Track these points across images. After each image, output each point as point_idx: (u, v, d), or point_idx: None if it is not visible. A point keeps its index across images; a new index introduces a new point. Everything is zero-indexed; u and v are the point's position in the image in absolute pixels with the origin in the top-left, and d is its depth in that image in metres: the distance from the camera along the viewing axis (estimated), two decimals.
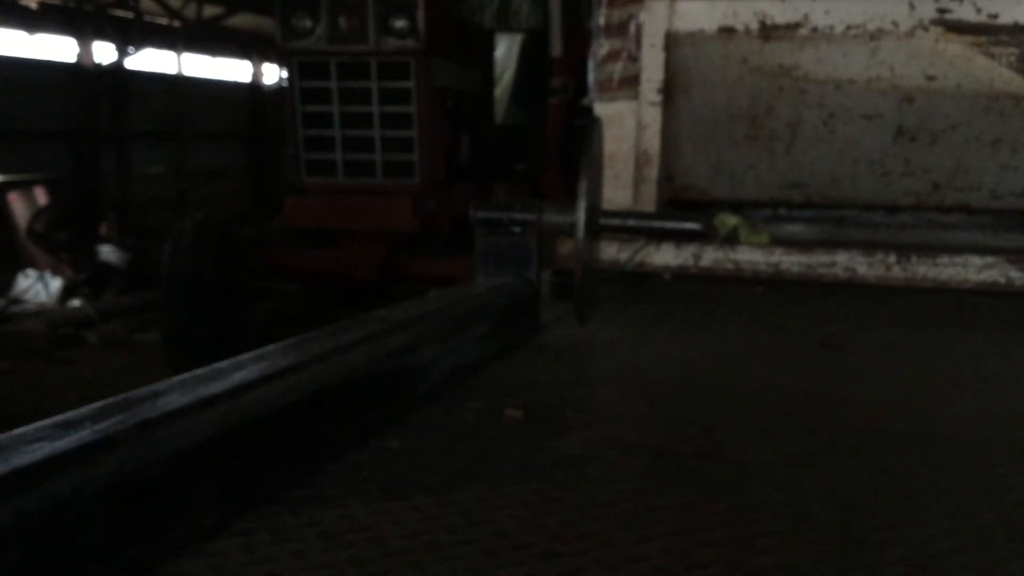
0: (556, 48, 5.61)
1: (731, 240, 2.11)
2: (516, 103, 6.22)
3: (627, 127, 2.20)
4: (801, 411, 1.24)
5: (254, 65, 15.98)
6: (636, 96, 2.20)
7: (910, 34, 2.06)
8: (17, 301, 8.63)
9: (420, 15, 4.84)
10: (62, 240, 9.27)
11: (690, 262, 2.11)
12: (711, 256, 2.10)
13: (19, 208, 9.42)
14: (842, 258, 2.05)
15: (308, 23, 5.29)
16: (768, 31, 2.12)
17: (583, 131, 1.52)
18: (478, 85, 5.85)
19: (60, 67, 12.12)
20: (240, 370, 0.92)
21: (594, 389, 1.41)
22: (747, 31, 2.13)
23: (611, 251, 2.10)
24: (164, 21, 13.60)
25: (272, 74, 15.57)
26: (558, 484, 0.94)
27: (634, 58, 2.18)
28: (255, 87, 16.08)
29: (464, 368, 1.32)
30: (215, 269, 5.57)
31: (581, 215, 1.42)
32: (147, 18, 13.26)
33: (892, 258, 2.03)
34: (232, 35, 15.02)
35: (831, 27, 2.09)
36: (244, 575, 0.73)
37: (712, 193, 2.38)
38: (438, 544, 0.79)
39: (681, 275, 2.15)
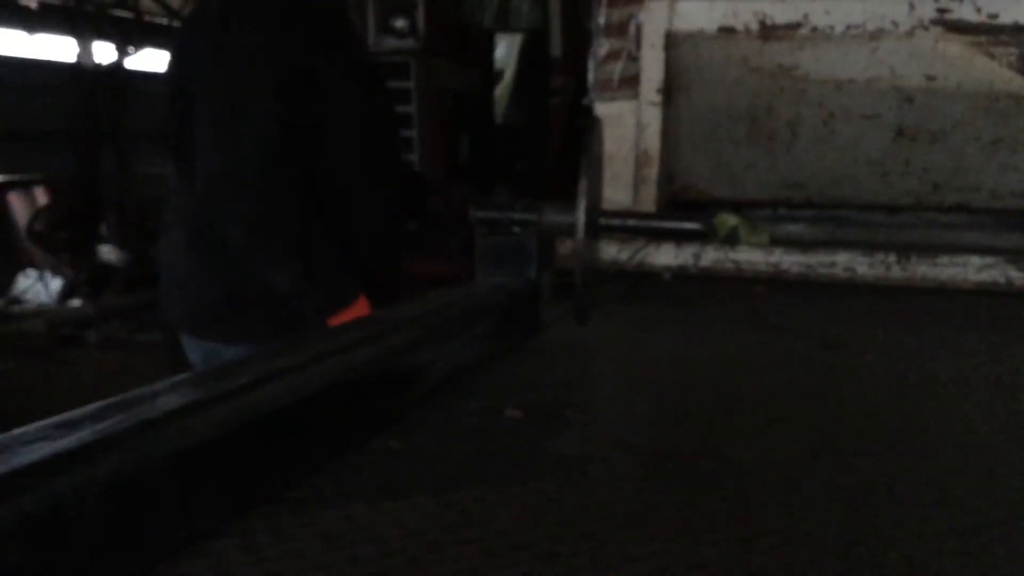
0: (556, 48, 5.62)
1: (731, 240, 2.11)
2: (516, 103, 6.22)
3: (627, 127, 2.20)
4: (801, 411, 1.24)
5: None
6: (636, 96, 2.20)
7: (910, 34, 2.06)
8: (17, 301, 8.63)
9: (420, 15, 4.85)
10: (62, 240, 9.26)
11: (690, 262, 2.11)
12: (711, 256, 2.10)
13: (19, 208, 9.42)
14: (842, 258, 2.05)
15: None
16: (768, 31, 2.13)
17: (583, 131, 1.52)
18: (478, 85, 5.85)
19: (60, 67, 12.11)
20: (240, 370, 0.92)
21: (594, 389, 1.41)
22: (747, 31, 2.13)
23: (611, 251, 2.11)
24: (164, 21, 13.60)
25: None
26: (558, 484, 0.94)
27: (634, 58, 2.18)
28: None
29: (464, 368, 1.32)
30: None
31: (581, 215, 1.42)
32: (147, 18, 13.26)
33: (892, 258, 2.03)
34: None
35: (831, 27, 2.09)
36: (244, 575, 0.73)
37: (712, 193, 2.38)
38: (438, 544, 0.79)
39: (681, 275, 2.15)
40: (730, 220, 2.18)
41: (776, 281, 2.07)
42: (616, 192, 2.11)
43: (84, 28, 12.22)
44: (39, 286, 8.62)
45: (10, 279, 8.74)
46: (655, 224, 1.87)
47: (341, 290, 1.82)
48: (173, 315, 2.06)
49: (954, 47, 2.05)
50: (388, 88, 2.24)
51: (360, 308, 1.82)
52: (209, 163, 1.78)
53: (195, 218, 1.91)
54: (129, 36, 12.85)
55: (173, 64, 1.94)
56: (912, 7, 2.04)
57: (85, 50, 12.32)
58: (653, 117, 2.19)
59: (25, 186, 9.73)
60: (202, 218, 1.88)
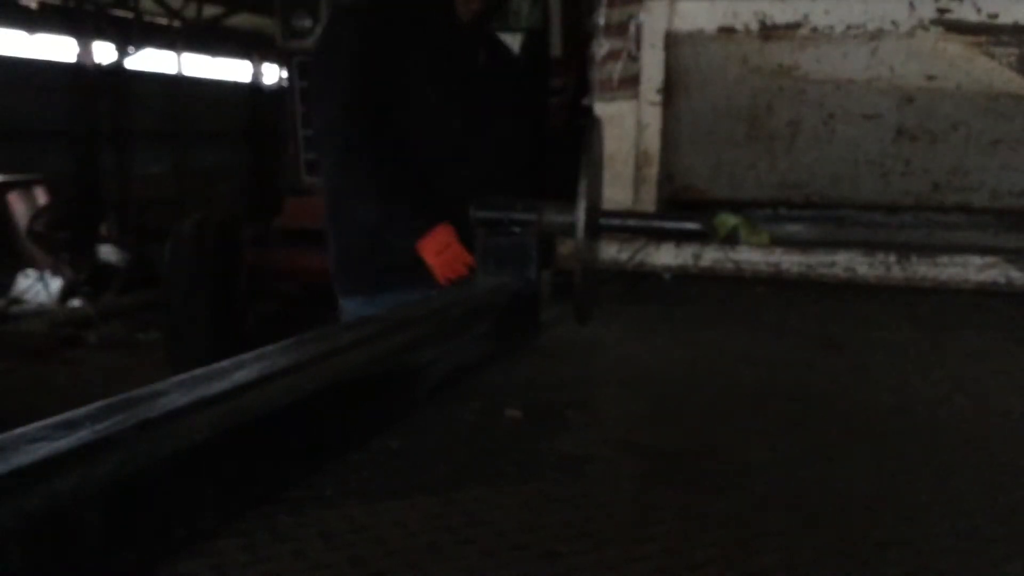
0: (556, 48, 5.60)
1: (731, 240, 2.11)
2: None
3: (627, 127, 2.20)
4: (801, 411, 1.24)
5: (254, 65, 15.97)
6: (636, 96, 2.20)
7: (910, 34, 2.06)
8: (17, 301, 8.62)
9: None
10: (62, 240, 9.26)
11: (690, 262, 2.11)
12: (711, 256, 2.10)
13: (19, 208, 9.41)
14: (842, 258, 2.05)
15: (308, 23, 5.30)
16: (768, 31, 2.12)
17: (583, 131, 1.52)
18: None
19: (60, 67, 12.12)
20: (240, 370, 0.92)
21: (594, 389, 1.41)
22: (747, 31, 2.13)
23: (611, 251, 2.11)
24: (164, 21, 13.60)
25: (272, 74, 15.56)
26: (558, 484, 0.94)
27: (634, 58, 2.18)
28: (255, 87, 16.07)
29: (464, 368, 1.32)
30: (215, 269, 5.57)
31: (581, 215, 1.42)
32: (147, 18, 13.26)
33: (892, 258, 2.03)
34: (232, 35, 15.01)
35: (831, 27, 2.09)
36: (244, 575, 0.73)
37: (712, 193, 2.38)
38: (438, 544, 0.79)
39: (681, 275, 2.15)
40: (730, 220, 2.19)
41: (776, 281, 2.07)
42: (616, 192, 2.11)
43: (84, 28, 12.22)
44: (39, 286, 8.62)
45: (10, 279, 8.74)
46: (655, 224, 1.87)
47: (419, 219, 2.09)
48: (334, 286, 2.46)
49: (954, 47, 2.05)
50: (503, 63, 2.58)
51: (444, 233, 2.05)
52: (311, 124, 2.34)
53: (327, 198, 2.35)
54: (129, 36, 12.85)
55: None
56: (912, 7, 2.04)
57: (85, 50, 12.32)
58: (653, 117, 2.19)
59: (25, 186, 9.72)
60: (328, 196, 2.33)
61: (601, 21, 2.19)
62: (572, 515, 0.86)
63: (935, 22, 2.04)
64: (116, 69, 12.73)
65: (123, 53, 12.78)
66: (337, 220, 2.32)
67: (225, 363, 0.94)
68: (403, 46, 2.21)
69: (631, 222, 1.85)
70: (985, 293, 1.99)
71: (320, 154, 2.32)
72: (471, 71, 2.36)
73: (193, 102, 14.27)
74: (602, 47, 2.20)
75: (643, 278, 2.19)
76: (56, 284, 8.60)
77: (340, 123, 2.16)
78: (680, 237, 2.06)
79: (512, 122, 2.49)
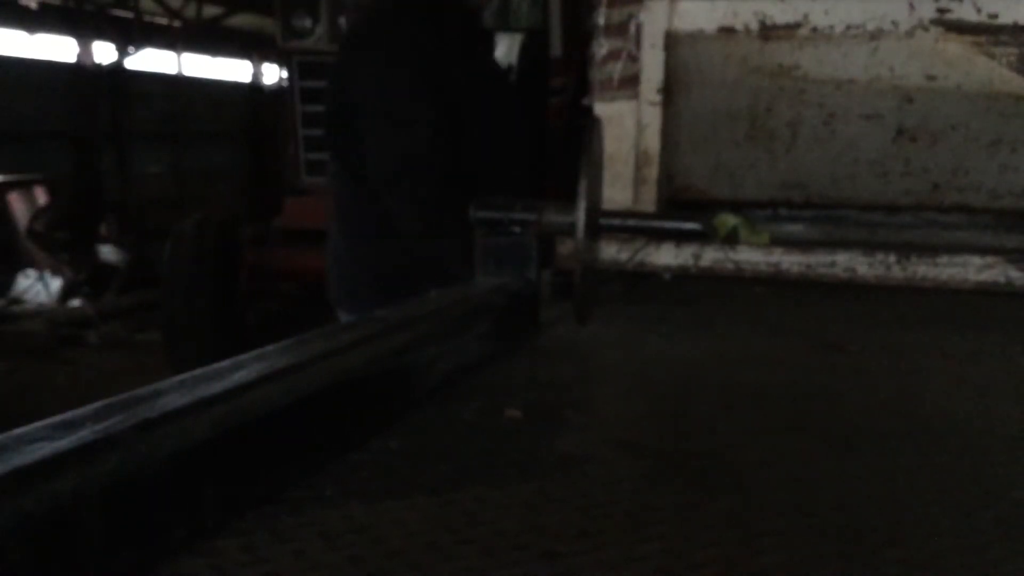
0: (556, 48, 5.60)
1: (731, 240, 2.11)
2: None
3: (627, 127, 2.20)
4: (801, 411, 1.24)
5: (254, 65, 15.98)
6: (636, 96, 2.19)
7: (910, 34, 2.06)
8: (17, 301, 8.62)
9: None
10: (62, 240, 9.27)
11: (690, 262, 2.11)
12: (711, 256, 2.10)
13: (19, 208, 9.42)
14: (842, 258, 2.05)
15: (308, 23, 5.31)
16: (768, 31, 2.12)
17: (583, 131, 1.51)
18: None
19: (60, 67, 12.12)
20: (240, 370, 0.92)
21: (594, 389, 1.41)
22: (747, 31, 2.13)
23: (611, 251, 2.10)
24: (164, 21, 13.60)
25: (272, 74, 15.57)
26: (558, 484, 0.94)
27: (634, 58, 2.18)
28: (255, 87, 16.08)
29: (464, 368, 1.32)
30: (215, 269, 5.58)
31: (581, 215, 1.42)
32: (147, 18, 13.26)
33: (892, 258, 2.03)
34: (232, 35, 15.01)
35: (831, 27, 2.09)
36: (244, 575, 0.73)
37: (712, 193, 2.38)
38: (438, 544, 0.79)
39: (681, 275, 2.15)
40: (730, 220, 2.18)
41: (776, 281, 2.07)
42: (616, 192, 2.11)
43: (84, 28, 12.22)
44: (39, 286, 8.62)
45: (10, 279, 8.74)
46: (655, 224, 1.87)
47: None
48: (330, 292, 2.52)
49: (954, 47, 2.05)
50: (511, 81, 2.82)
51: None
52: (385, 156, 2.24)
53: (344, 206, 2.40)
54: (129, 36, 12.85)
55: (335, 81, 2.41)
56: (912, 7, 2.04)
57: (85, 50, 12.32)
58: (653, 117, 2.19)
59: (25, 186, 9.73)
60: (348, 204, 2.36)
61: (601, 21, 2.19)
62: (572, 515, 0.86)
63: (935, 22, 2.04)
64: (116, 69, 12.73)
65: (123, 53, 12.78)
66: (368, 234, 2.32)
67: (225, 363, 0.94)
68: (461, 60, 2.29)
69: (631, 222, 1.85)
70: (985, 293, 1.99)
71: (398, 179, 2.24)
72: (472, 70, 2.38)
73: (193, 102, 14.28)
74: (602, 47, 2.20)
75: (643, 278, 2.19)
76: (56, 284, 8.60)
77: (428, 155, 2.17)
78: (680, 237, 2.06)
79: (512, 121, 2.51)
